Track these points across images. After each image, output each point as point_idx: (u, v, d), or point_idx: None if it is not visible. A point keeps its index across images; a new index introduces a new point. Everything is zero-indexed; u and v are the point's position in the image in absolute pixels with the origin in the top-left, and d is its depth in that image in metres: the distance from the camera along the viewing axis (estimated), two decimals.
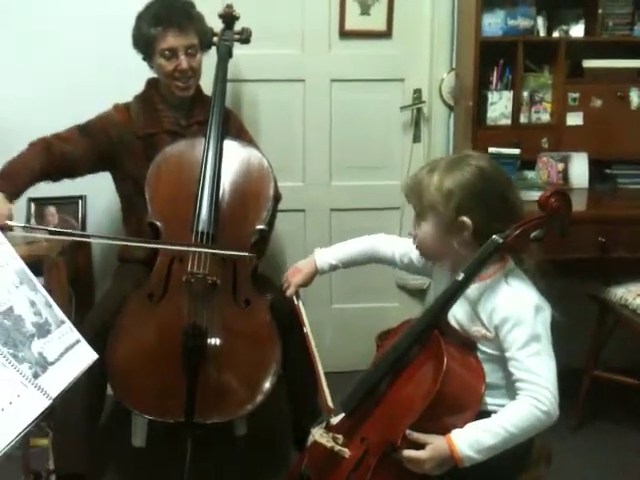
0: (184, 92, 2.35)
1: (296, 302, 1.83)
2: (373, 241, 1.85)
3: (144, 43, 2.30)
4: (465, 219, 1.48)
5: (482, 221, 1.48)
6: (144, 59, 2.37)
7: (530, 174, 2.79)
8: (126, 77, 2.46)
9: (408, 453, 1.38)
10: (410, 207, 1.63)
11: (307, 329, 1.75)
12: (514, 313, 1.45)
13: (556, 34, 2.77)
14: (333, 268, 1.85)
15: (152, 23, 2.26)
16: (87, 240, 2.33)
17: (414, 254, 1.74)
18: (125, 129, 2.33)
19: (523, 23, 2.71)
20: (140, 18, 2.31)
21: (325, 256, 1.84)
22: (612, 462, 2.43)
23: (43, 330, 1.40)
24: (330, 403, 1.62)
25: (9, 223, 2.04)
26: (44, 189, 2.76)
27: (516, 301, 1.46)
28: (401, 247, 1.81)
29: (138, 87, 2.44)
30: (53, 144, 2.25)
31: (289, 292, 1.84)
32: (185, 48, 2.28)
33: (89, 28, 2.70)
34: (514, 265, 1.53)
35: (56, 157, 2.23)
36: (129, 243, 2.33)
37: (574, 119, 2.77)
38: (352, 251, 1.85)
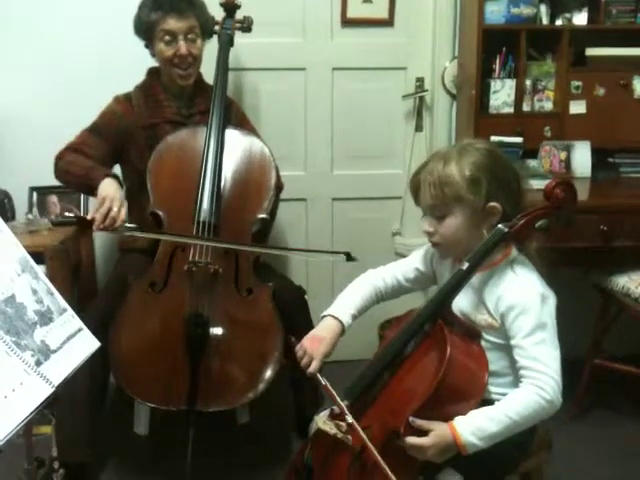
0: (184, 80, 2.34)
1: (323, 382, 1.53)
2: (372, 281, 1.71)
3: (145, 28, 2.30)
4: (495, 204, 1.48)
5: (506, 204, 1.48)
6: (146, 46, 2.37)
7: (533, 163, 2.78)
8: (126, 72, 2.45)
9: (411, 440, 1.38)
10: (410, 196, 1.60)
11: (350, 418, 1.46)
12: (520, 301, 1.45)
13: (559, 22, 2.75)
14: (354, 319, 1.65)
15: (152, 8, 2.27)
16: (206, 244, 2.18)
17: (417, 263, 1.71)
18: (128, 120, 2.33)
19: (526, 11, 2.70)
20: (142, 5, 2.31)
21: (343, 310, 1.64)
22: (613, 450, 2.44)
23: (45, 318, 1.40)
24: None
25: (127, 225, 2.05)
26: (46, 178, 2.76)
27: (522, 289, 1.46)
28: (400, 268, 1.72)
29: (142, 76, 2.43)
30: (81, 150, 2.23)
31: (314, 367, 1.55)
32: (184, 33, 2.28)
33: (89, 25, 2.70)
34: (517, 252, 1.53)
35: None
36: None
37: (577, 107, 2.76)
38: (362, 298, 1.67)
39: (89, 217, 2.03)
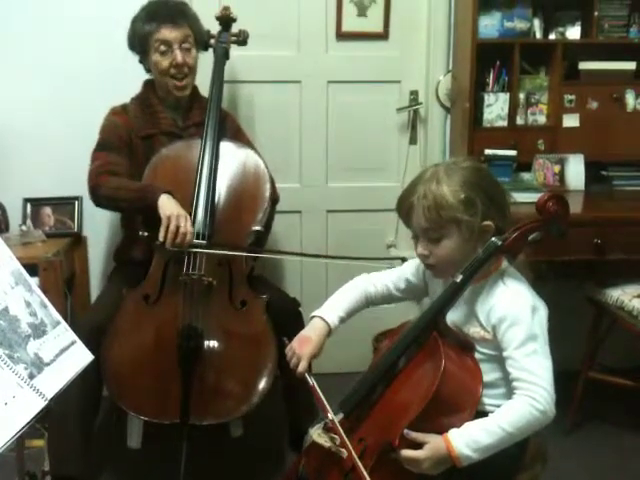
0: (180, 91, 2.34)
1: (311, 382, 1.56)
2: (363, 285, 1.73)
3: (139, 41, 2.31)
4: (489, 223, 1.48)
5: (498, 219, 1.49)
6: (140, 61, 2.38)
7: (526, 176, 2.80)
8: (122, 85, 2.45)
9: (406, 453, 1.38)
10: None
11: (331, 415, 1.50)
12: (511, 313, 1.45)
13: (552, 36, 2.78)
14: (342, 321, 1.67)
15: (146, 20, 2.29)
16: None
17: (408, 274, 1.72)
18: (128, 130, 2.33)
19: (519, 25, 2.72)
20: (135, 19, 2.33)
21: (331, 311, 1.67)
22: (607, 463, 2.43)
23: (39, 331, 1.40)
24: None
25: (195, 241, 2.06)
26: (40, 189, 2.76)
27: (513, 301, 1.47)
28: (391, 277, 1.73)
29: (137, 88, 2.44)
30: (115, 172, 2.21)
31: (302, 367, 1.57)
32: (179, 42, 2.29)
33: (86, 37, 2.70)
34: (508, 264, 1.54)
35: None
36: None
37: (570, 121, 2.78)
38: (351, 301, 1.70)
39: (160, 239, 2.02)
